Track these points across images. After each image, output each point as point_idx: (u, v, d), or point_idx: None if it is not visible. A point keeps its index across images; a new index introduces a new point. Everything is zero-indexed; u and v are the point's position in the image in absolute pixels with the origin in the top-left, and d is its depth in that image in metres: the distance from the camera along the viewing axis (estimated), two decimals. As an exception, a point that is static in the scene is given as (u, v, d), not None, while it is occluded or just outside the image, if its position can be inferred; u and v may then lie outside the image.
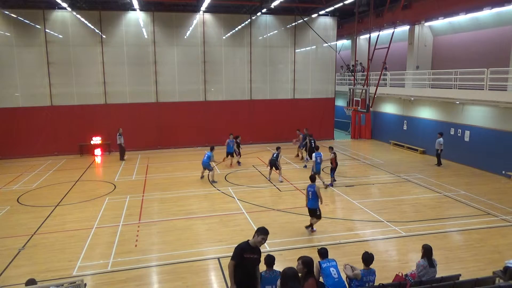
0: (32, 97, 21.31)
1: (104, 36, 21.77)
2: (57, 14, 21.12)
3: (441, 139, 18.32)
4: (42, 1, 20.36)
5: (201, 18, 22.89)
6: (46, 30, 20.99)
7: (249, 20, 23.68)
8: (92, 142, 21.88)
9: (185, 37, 22.98)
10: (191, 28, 22.96)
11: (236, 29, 23.69)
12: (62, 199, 14.00)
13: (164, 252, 9.61)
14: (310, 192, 10.48)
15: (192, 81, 23.39)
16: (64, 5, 19.86)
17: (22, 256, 9.50)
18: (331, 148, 15.62)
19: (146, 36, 22.36)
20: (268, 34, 24.29)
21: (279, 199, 13.75)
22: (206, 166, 15.96)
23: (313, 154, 15.29)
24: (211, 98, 23.90)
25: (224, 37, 23.59)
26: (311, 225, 10.71)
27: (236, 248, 5.92)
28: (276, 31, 24.40)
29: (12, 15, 20.45)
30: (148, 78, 22.68)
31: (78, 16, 21.26)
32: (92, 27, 21.58)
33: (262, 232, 5.87)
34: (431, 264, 6.74)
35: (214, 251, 9.63)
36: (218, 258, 9.16)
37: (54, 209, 12.93)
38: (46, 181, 16.57)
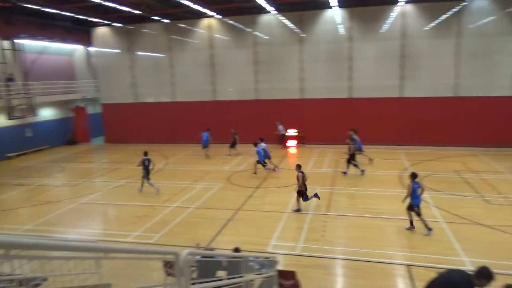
0: (241, 92, 24.68)
1: (304, 35, 23.11)
2: (263, 18, 23.61)
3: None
4: (253, 7, 23.06)
5: (402, 10, 21.43)
6: (254, 32, 23.81)
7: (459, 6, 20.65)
8: (287, 134, 23.56)
9: (382, 31, 22.04)
10: (390, 21, 21.83)
11: (442, 18, 21.14)
12: (262, 183, 15.66)
13: (349, 247, 9.60)
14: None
15: (387, 76, 22.31)
16: (271, 9, 22.01)
17: (229, 226, 11.17)
18: None
19: (342, 33, 22.51)
20: (484, 21, 20.64)
21: (488, 213, 11.67)
22: None
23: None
24: (408, 94, 22.23)
25: (425, 29, 21.43)
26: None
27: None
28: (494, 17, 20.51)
29: (229, 21, 24.05)
30: (343, 74, 22.86)
31: (281, 18, 23.23)
32: (293, 26, 23.20)
33: (489, 276, 4.58)
34: None
35: (403, 256, 9.02)
36: (408, 265, 8.52)
37: (255, 191, 14.62)
38: (250, 165, 18.57)
